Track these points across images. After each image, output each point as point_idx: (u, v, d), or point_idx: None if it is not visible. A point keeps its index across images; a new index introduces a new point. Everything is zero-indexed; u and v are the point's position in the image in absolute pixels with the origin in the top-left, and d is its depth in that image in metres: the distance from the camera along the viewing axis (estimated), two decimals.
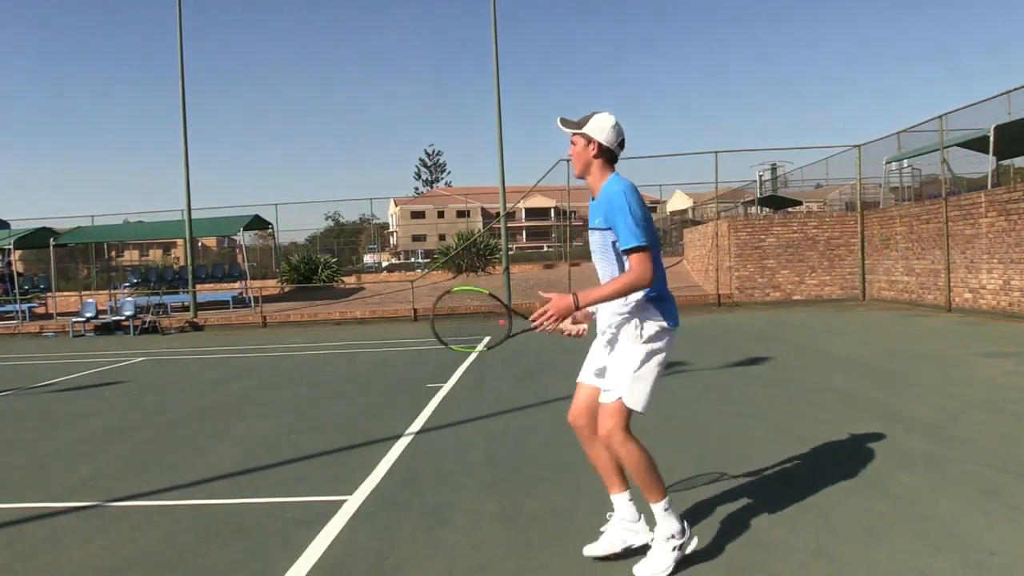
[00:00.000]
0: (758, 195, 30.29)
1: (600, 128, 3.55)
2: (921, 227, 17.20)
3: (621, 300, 3.47)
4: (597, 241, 3.62)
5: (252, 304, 24.60)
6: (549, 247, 64.16)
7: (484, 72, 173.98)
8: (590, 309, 3.69)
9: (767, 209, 29.46)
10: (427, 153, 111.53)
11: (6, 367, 14.15)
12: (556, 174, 21.53)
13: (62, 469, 6.11)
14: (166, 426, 7.75)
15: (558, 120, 3.63)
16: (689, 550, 3.58)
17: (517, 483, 5.10)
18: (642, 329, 3.49)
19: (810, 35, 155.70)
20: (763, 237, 20.76)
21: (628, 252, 3.37)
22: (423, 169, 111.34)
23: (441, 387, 9.13)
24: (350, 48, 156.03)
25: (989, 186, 15.96)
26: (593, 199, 3.62)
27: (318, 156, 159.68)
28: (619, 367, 3.52)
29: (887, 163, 21.57)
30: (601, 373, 3.65)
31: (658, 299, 3.52)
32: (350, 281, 31.46)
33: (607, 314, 3.61)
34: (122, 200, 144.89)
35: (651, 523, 3.65)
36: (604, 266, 3.62)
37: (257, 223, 28.15)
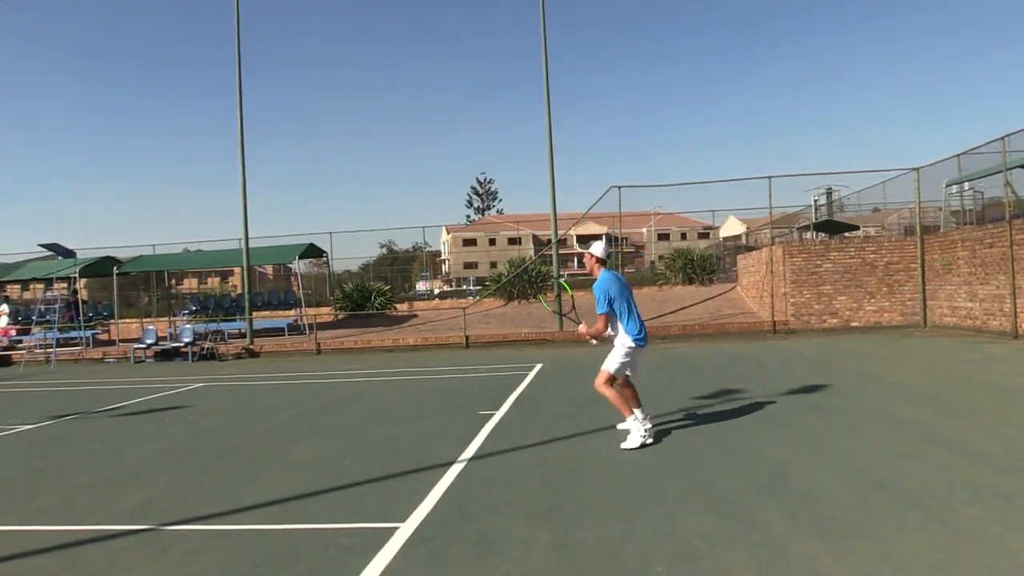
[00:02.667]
0: (813, 220, 29.80)
1: (598, 248, 7.35)
2: (984, 251, 16.73)
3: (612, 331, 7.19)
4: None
5: (307, 331, 24.95)
6: None
7: (537, 100, 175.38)
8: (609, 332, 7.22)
9: (822, 234, 28.95)
10: (479, 181, 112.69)
11: (71, 391, 14.56)
12: (608, 201, 21.53)
13: (122, 492, 6.25)
14: (223, 451, 7.88)
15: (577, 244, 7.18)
16: (650, 441, 6.95)
17: (569, 512, 5.06)
18: (623, 343, 7.09)
19: (868, 56, 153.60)
20: (819, 263, 20.40)
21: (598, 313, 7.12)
22: (475, 197, 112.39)
23: (493, 414, 9.13)
24: (404, 77, 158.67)
25: None
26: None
27: (372, 185, 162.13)
28: (610, 356, 7.15)
29: (947, 186, 21.07)
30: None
31: (629, 331, 7.08)
32: (402, 308, 31.70)
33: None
34: (183, 229, 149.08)
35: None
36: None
37: (312, 251, 28.60)
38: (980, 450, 6.21)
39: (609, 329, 7.15)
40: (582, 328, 7.32)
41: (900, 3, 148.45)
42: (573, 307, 8.28)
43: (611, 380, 7.04)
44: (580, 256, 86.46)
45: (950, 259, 18.34)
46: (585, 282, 56.47)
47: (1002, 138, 16.27)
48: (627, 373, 7.20)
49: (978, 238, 17.13)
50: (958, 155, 19.56)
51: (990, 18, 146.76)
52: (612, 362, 7.07)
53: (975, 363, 12.15)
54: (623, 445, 6.91)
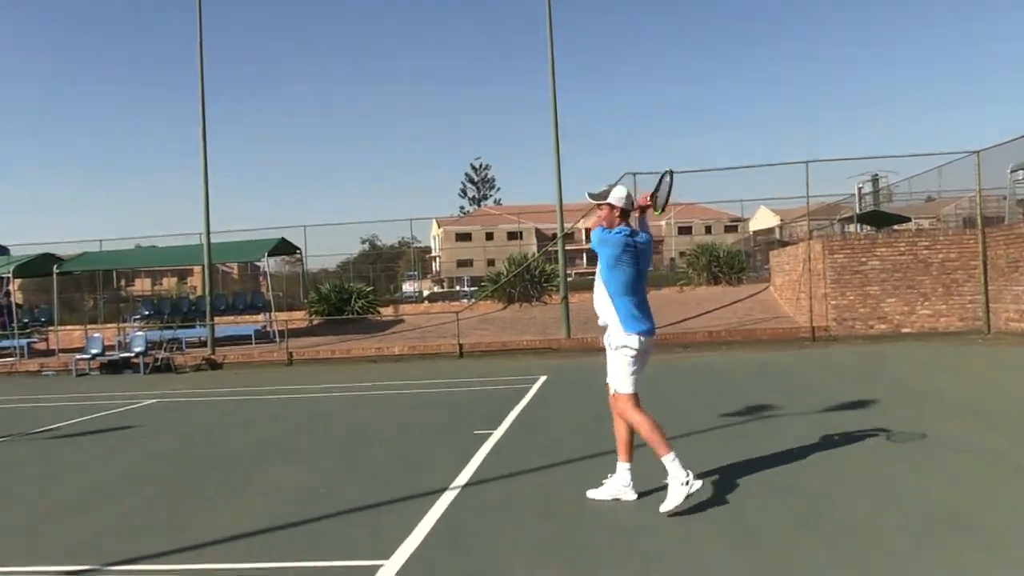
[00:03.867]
0: (857, 211, 29.83)
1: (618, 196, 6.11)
2: None
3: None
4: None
5: (277, 339, 24.90)
6: None
7: (538, 79, 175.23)
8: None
9: (868, 227, 28.99)
10: (474, 168, 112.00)
11: (2, 410, 14.51)
12: None
13: (61, 527, 6.20)
14: (179, 478, 7.83)
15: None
16: (694, 491, 5.55)
17: (580, 547, 5.02)
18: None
19: (920, 27, 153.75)
20: (864, 260, 20.36)
21: None
22: (469, 185, 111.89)
23: (490, 434, 9.09)
24: (388, 52, 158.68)
25: None
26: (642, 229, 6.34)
27: (352, 173, 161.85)
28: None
29: (1012, 171, 21.05)
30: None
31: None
32: (387, 312, 31.70)
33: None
34: (133, 223, 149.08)
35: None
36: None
37: (283, 247, 28.58)
38: None
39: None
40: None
41: None
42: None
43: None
44: (590, 253, 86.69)
45: (1017, 255, 18.30)
46: (594, 282, 56.60)
47: None
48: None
49: None
50: None
51: None
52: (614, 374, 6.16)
53: None
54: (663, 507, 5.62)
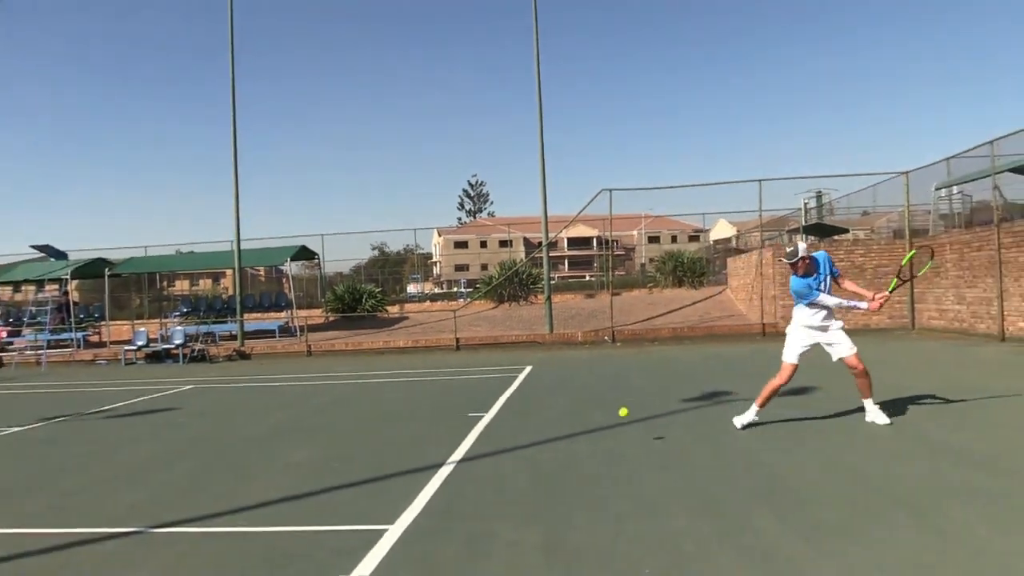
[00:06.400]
0: (803, 223, 29.88)
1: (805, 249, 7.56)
2: (972, 255, 16.82)
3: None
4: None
5: (298, 333, 24.90)
6: (591, 276, 63.99)
7: (528, 103, 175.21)
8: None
9: (812, 237, 29.03)
10: (470, 184, 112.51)
11: (62, 393, 14.48)
12: (598, 203, 21.42)
13: (112, 495, 6.22)
14: (213, 453, 7.85)
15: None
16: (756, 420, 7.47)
17: (560, 514, 5.05)
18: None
19: (856, 61, 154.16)
20: None
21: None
22: (467, 199, 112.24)
23: (483, 416, 9.12)
24: (396, 80, 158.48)
25: None
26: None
27: (364, 187, 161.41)
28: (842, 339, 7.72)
29: (936, 189, 21.16)
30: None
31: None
32: (394, 310, 31.65)
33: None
34: (174, 231, 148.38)
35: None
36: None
37: (304, 253, 28.54)
38: (969, 452, 6.23)
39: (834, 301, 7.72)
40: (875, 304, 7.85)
41: (889, 9, 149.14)
42: (912, 272, 8.42)
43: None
44: (571, 259, 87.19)
45: (939, 262, 18.42)
46: (575, 285, 56.42)
47: (991, 142, 16.35)
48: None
49: (966, 241, 17.22)
50: (947, 159, 19.66)
51: (979, 23, 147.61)
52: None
53: (963, 366, 12.22)
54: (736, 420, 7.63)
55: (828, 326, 7.71)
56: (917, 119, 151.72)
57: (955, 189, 21.31)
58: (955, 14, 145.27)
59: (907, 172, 20.38)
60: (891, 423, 7.37)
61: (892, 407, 8.22)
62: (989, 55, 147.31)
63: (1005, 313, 15.44)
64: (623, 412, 7.63)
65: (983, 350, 14.12)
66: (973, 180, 19.42)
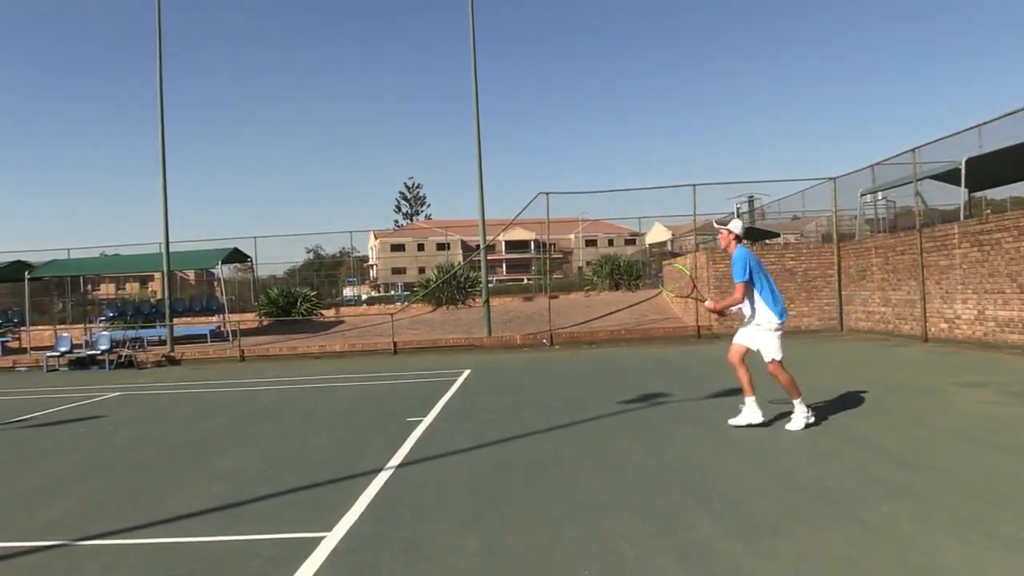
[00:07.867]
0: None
1: (737, 225, 7.67)
2: (896, 258, 17.41)
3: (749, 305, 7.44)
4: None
5: (230, 338, 24.40)
6: (529, 279, 64.25)
7: (465, 107, 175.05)
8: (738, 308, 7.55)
9: (745, 241, 29.61)
10: (407, 186, 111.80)
11: None
12: (536, 207, 21.56)
13: (34, 507, 6.00)
14: (141, 462, 7.63)
15: (714, 222, 8.43)
16: (811, 421, 7.42)
17: (498, 518, 5.06)
18: (770, 324, 7.36)
19: (787, 68, 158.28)
20: None
21: (737, 282, 7.36)
22: (403, 202, 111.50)
23: (421, 420, 9.07)
24: (331, 82, 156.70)
25: (962, 218, 16.21)
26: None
27: (298, 189, 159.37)
28: (765, 343, 7.40)
29: (862, 195, 21.85)
30: (754, 343, 7.48)
31: (774, 309, 7.38)
32: (329, 314, 31.30)
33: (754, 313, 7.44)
34: (99, 233, 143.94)
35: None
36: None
37: (236, 256, 28.03)
38: (893, 449, 6.45)
39: (742, 308, 7.45)
40: (709, 304, 7.80)
41: (819, 21, 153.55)
42: (694, 287, 8.84)
43: (781, 364, 7.38)
44: (508, 262, 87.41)
45: (865, 265, 19.03)
46: (513, 288, 56.62)
47: (913, 150, 16.96)
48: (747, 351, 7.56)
49: (891, 245, 17.82)
50: (872, 165, 20.35)
51: (902, 36, 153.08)
52: (772, 348, 7.35)
53: (888, 365, 12.62)
54: (788, 427, 7.39)
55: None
56: (843, 127, 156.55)
57: (880, 195, 22.06)
58: (881, 22, 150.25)
59: (835, 178, 21.01)
60: (764, 422, 7.56)
61: (822, 408, 8.44)
62: (923, 64, 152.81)
63: (928, 315, 16.01)
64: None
65: (907, 351, 14.61)
66: (896, 187, 20.13)
